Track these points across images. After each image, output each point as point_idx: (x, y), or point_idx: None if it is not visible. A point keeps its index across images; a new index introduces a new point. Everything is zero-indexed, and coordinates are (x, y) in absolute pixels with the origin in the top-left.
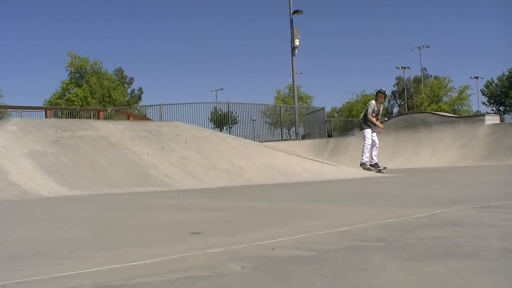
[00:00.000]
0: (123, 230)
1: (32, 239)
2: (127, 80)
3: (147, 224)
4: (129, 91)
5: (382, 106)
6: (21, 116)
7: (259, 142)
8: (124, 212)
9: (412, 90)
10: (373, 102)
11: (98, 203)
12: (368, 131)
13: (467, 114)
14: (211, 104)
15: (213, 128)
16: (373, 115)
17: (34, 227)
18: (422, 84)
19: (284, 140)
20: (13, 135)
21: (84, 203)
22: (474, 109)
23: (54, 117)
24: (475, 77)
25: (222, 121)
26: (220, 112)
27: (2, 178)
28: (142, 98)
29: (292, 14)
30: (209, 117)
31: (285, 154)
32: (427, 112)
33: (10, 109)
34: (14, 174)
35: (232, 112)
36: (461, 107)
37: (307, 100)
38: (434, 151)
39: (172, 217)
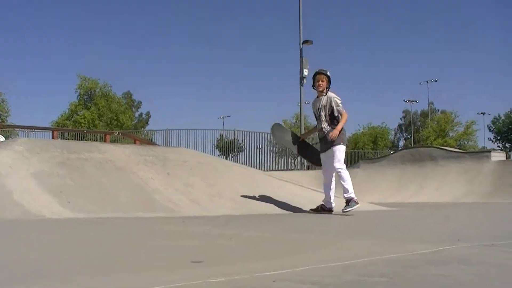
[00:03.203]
0: (125, 255)
1: (34, 261)
2: (135, 103)
3: (150, 249)
4: (136, 115)
5: (326, 99)
6: (28, 136)
7: (264, 170)
8: (127, 237)
9: (419, 123)
10: (311, 101)
11: (101, 226)
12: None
13: (473, 150)
14: (217, 131)
15: (218, 155)
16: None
17: (36, 249)
18: (429, 118)
19: (289, 169)
20: (20, 155)
21: (87, 226)
22: (480, 145)
23: (61, 139)
24: (481, 113)
25: (228, 148)
26: (226, 140)
27: (6, 197)
28: (149, 122)
29: (302, 44)
30: (215, 144)
31: (289, 184)
32: (434, 147)
33: (18, 129)
34: (18, 194)
35: (238, 140)
36: (467, 142)
37: None
38: (440, 186)
39: (175, 244)
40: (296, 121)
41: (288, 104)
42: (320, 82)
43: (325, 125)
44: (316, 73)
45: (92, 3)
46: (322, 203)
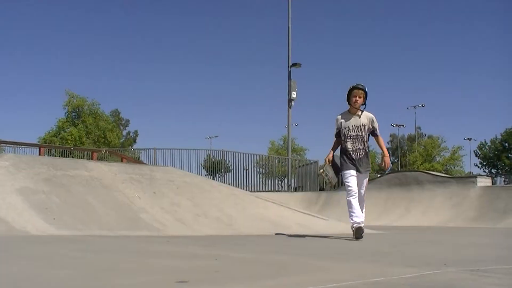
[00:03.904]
0: (110, 273)
1: (18, 278)
2: (123, 122)
3: (135, 268)
4: (124, 133)
5: (365, 117)
6: (14, 152)
7: (251, 191)
8: (112, 255)
9: (406, 148)
10: (338, 116)
11: (86, 244)
12: (345, 170)
13: (460, 175)
14: (205, 151)
15: (206, 175)
16: (343, 139)
17: (19, 265)
18: (416, 142)
19: (276, 191)
20: (6, 171)
21: (71, 244)
22: (467, 170)
23: (48, 155)
24: (468, 138)
25: (215, 168)
26: (213, 160)
27: None
28: (137, 140)
29: (291, 66)
30: (203, 164)
31: (276, 205)
32: (420, 171)
33: (4, 144)
34: (2, 209)
35: (226, 160)
36: (454, 167)
37: (301, 153)
38: (426, 210)
39: (160, 263)
40: (283, 143)
41: (276, 126)
42: (358, 98)
43: (361, 146)
44: (354, 88)
45: (81, 20)
46: (357, 223)
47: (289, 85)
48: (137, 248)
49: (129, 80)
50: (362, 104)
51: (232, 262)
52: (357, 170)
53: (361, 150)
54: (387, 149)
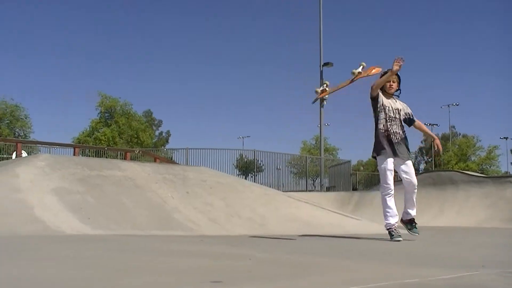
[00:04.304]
0: (142, 273)
1: (48, 278)
2: (156, 122)
3: (168, 268)
4: (157, 133)
5: (400, 103)
6: (49, 152)
7: (284, 191)
8: (145, 254)
9: None
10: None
11: (119, 244)
12: (382, 159)
13: (496, 175)
14: (237, 151)
15: (238, 175)
16: (381, 118)
17: (52, 266)
18: (450, 142)
19: (309, 191)
20: (41, 171)
21: (105, 243)
22: (503, 169)
23: (82, 155)
24: (504, 138)
25: (247, 168)
26: (246, 159)
27: (27, 213)
28: (169, 140)
29: (323, 66)
30: (235, 164)
31: (309, 205)
32: (455, 171)
33: (40, 145)
34: (39, 209)
35: (258, 160)
36: (490, 167)
37: (333, 152)
38: (460, 210)
39: (193, 263)
40: (316, 143)
41: (308, 126)
42: (392, 83)
43: (400, 130)
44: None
45: (113, 24)
46: (391, 224)
47: (321, 85)
48: (171, 247)
49: (162, 81)
50: (397, 89)
51: (264, 262)
52: (396, 156)
53: (399, 134)
54: (420, 148)
